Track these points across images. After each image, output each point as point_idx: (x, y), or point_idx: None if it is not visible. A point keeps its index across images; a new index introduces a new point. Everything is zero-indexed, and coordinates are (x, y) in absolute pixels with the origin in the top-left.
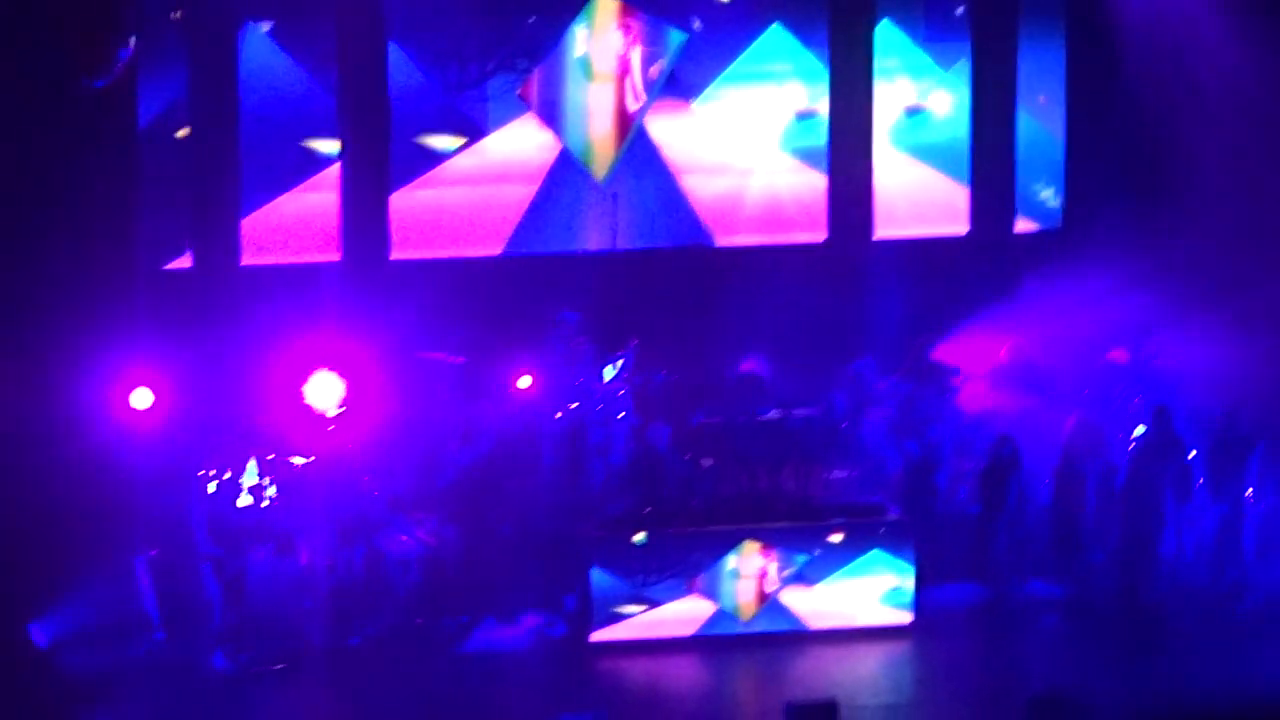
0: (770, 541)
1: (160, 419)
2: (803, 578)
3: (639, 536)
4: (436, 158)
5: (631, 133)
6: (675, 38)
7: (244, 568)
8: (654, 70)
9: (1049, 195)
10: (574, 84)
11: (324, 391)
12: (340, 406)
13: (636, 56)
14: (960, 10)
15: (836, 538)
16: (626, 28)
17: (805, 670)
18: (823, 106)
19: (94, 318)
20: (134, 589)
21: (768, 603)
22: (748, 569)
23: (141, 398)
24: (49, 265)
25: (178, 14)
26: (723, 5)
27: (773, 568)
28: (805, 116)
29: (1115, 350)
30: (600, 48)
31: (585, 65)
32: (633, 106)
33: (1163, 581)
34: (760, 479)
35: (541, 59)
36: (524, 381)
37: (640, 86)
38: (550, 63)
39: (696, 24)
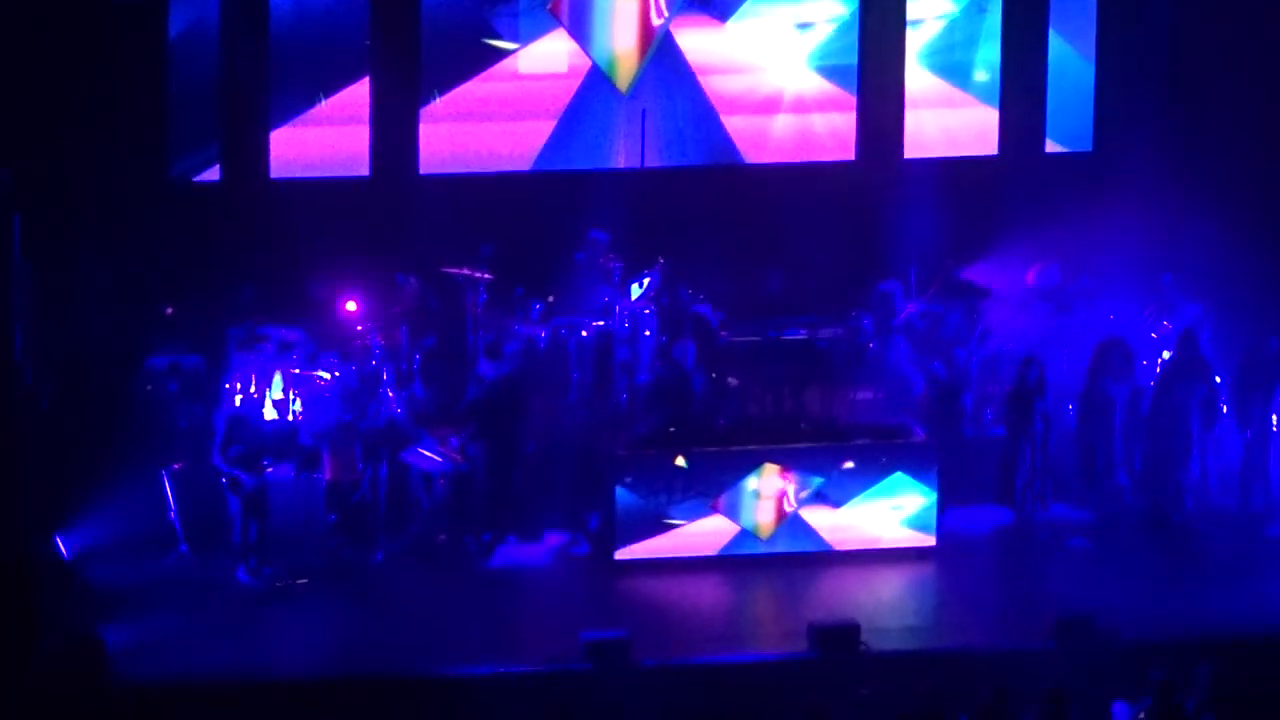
0: (792, 462)
1: (186, 331)
2: (826, 498)
3: (680, 460)
4: (466, 73)
5: (654, 46)
6: None
7: (265, 482)
8: None
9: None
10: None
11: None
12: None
13: None
14: None
15: (848, 465)
16: None
17: (828, 591)
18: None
19: (124, 228)
20: (159, 502)
21: (786, 522)
22: (768, 490)
23: (168, 309)
24: (80, 175)
25: None
26: None
27: (791, 489)
28: (804, 26)
29: (1143, 274)
30: None
31: None
32: (656, 21)
33: (1189, 506)
34: (786, 399)
35: None
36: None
37: (663, 2)
38: None
39: None
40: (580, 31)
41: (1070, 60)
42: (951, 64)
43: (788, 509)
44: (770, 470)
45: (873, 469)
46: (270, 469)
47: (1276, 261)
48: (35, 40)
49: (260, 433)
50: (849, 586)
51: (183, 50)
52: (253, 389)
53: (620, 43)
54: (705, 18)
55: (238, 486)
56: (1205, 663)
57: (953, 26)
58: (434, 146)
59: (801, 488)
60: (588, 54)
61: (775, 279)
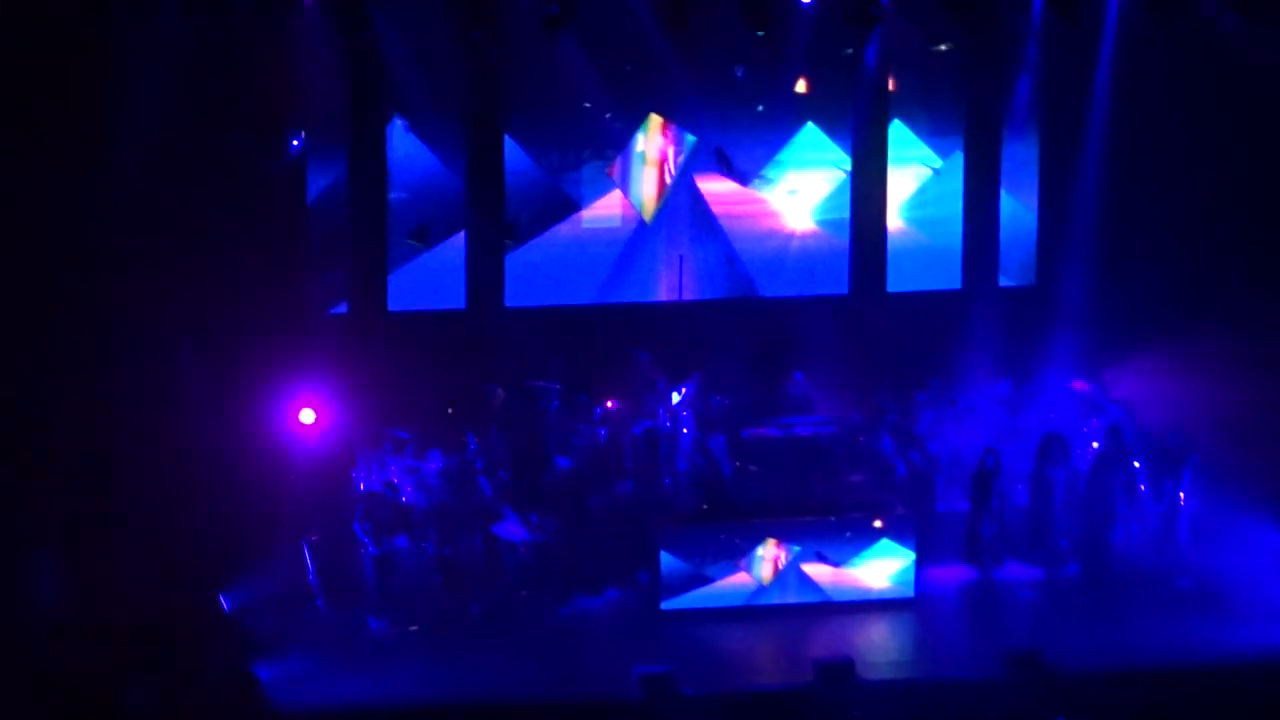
0: (800, 531)
1: (323, 433)
2: (827, 559)
3: (877, 523)
4: (541, 226)
5: (667, 193)
6: (689, 139)
7: (394, 549)
8: (678, 159)
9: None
10: (637, 165)
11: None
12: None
13: (670, 152)
14: (955, 111)
15: (876, 523)
16: (664, 133)
17: (829, 634)
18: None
19: (272, 351)
20: (300, 566)
21: (796, 578)
22: (768, 554)
23: (308, 416)
24: (241, 311)
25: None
26: (774, 103)
27: (782, 555)
28: (792, 192)
29: (1078, 382)
30: (650, 145)
31: (642, 156)
32: (667, 180)
33: (1115, 564)
34: (794, 482)
35: (621, 149)
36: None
37: (672, 168)
38: (626, 152)
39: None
40: (625, 186)
41: (1017, 210)
42: (924, 216)
43: (782, 566)
44: (770, 542)
45: (864, 536)
46: (402, 540)
47: (1184, 372)
48: (206, 210)
49: (389, 509)
50: (846, 630)
51: (319, 211)
52: (374, 476)
53: (647, 192)
54: (729, 181)
55: (371, 551)
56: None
57: (924, 187)
58: (517, 284)
59: (789, 555)
60: (628, 199)
61: (793, 385)
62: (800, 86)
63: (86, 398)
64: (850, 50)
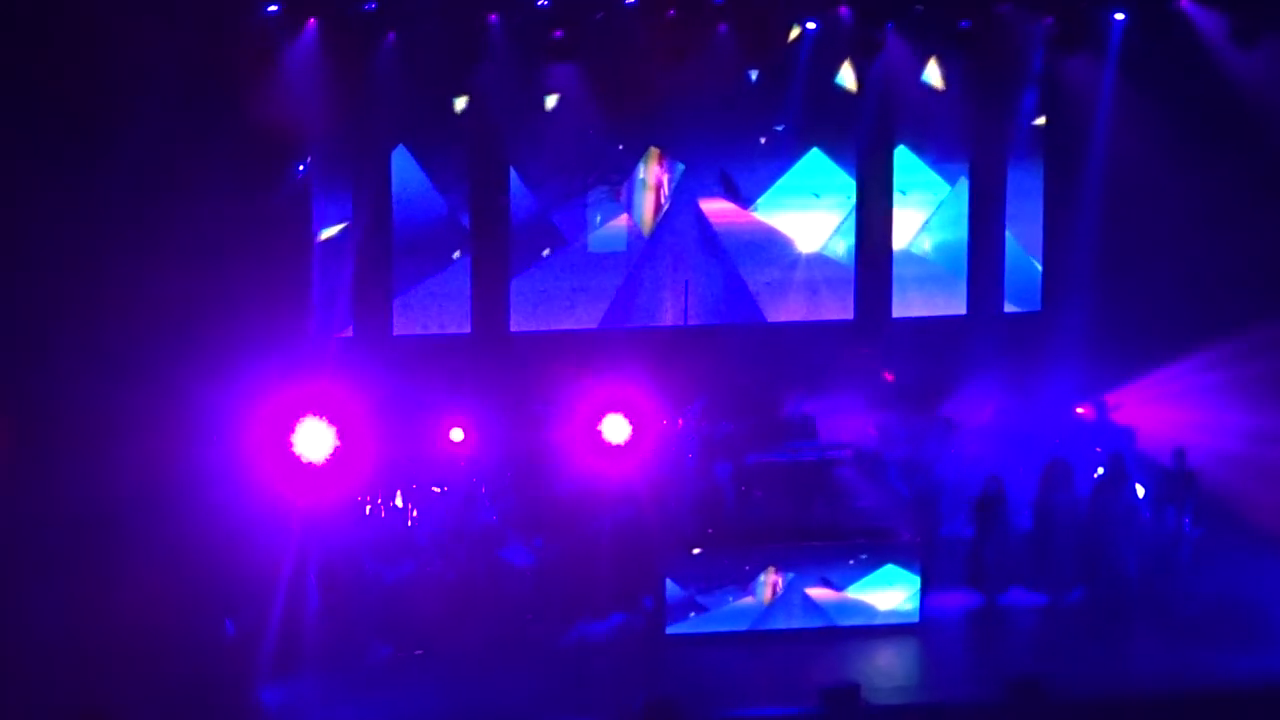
0: (804, 558)
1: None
2: (832, 584)
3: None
4: (545, 251)
5: (661, 214)
6: (679, 168)
7: (399, 574)
8: (668, 182)
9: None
10: (638, 190)
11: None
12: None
13: (665, 177)
14: (964, 137)
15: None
16: (660, 162)
17: (834, 660)
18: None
19: (280, 376)
20: (306, 590)
21: (801, 603)
22: (772, 579)
23: (458, 434)
24: (249, 334)
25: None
26: (776, 133)
27: (780, 580)
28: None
29: (1082, 407)
30: (648, 173)
31: (643, 182)
32: (663, 203)
33: (1118, 590)
34: (799, 507)
35: (627, 174)
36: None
37: (666, 191)
38: (631, 177)
39: (763, 140)
40: (629, 208)
41: (1022, 236)
42: (929, 243)
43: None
44: (769, 569)
45: (869, 562)
46: (407, 565)
47: (1188, 398)
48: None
49: (391, 535)
50: (850, 655)
51: (323, 234)
52: (379, 501)
53: (646, 213)
54: (732, 205)
55: (376, 576)
56: None
57: (930, 217)
58: (522, 309)
59: (786, 580)
60: (632, 218)
61: (792, 409)
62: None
63: (90, 422)
64: (854, 77)
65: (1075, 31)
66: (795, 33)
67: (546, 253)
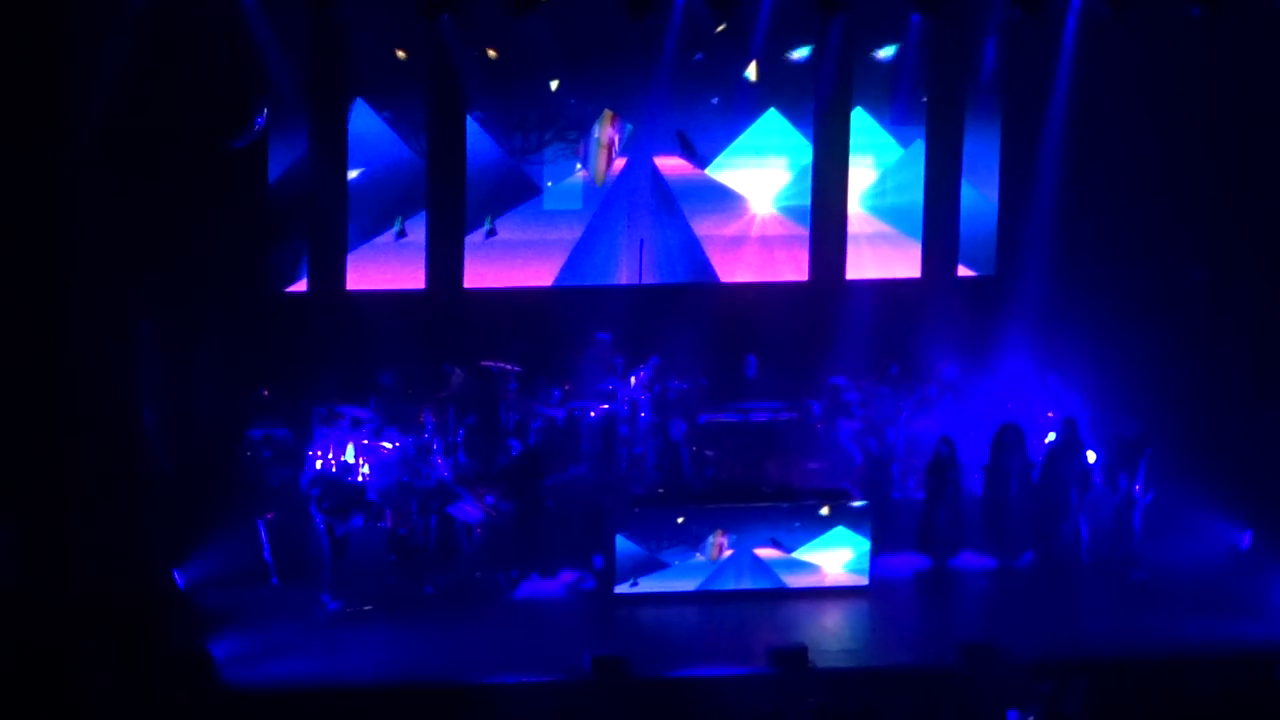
0: (755, 518)
1: (279, 411)
2: (781, 545)
3: (824, 510)
4: (503, 208)
5: (610, 167)
6: (628, 128)
7: (350, 528)
8: (619, 140)
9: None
10: (594, 148)
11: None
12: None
13: (616, 136)
14: (920, 99)
15: (823, 510)
16: (612, 123)
17: (782, 620)
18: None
19: (228, 329)
20: (256, 544)
21: (750, 564)
22: (722, 539)
23: (264, 394)
24: (195, 287)
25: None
26: (727, 93)
27: (728, 540)
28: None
29: (1035, 372)
30: (601, 132)
31: (598, 140)
32: (615, 158)
33: (1069, 555)
34: (751, 467)
35: (585, 131)
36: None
37: (616, 148)
38: (588, 135)
39: (714, 100)
40: (585, 161)
41: (978, 200)
42: (884, 205)
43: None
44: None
45: (818, 523)
46: (357, 520)
47: (1140, 364)
48: (161, 181)
49: (346, 490)
50: (799, 617)
51: (278, 189)
52: (330, 456)
53: (600, 166)
54: (689, 164)
55: (331, 532)
56: (1081, 678)
57: (885, 175)
58: (476, 266)
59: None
60: (587, 170)
61: (749, 368)
62: (751, 73)
63: (42, 374)
64: (813, 36)
65: None
66: None
67: (503, 210)
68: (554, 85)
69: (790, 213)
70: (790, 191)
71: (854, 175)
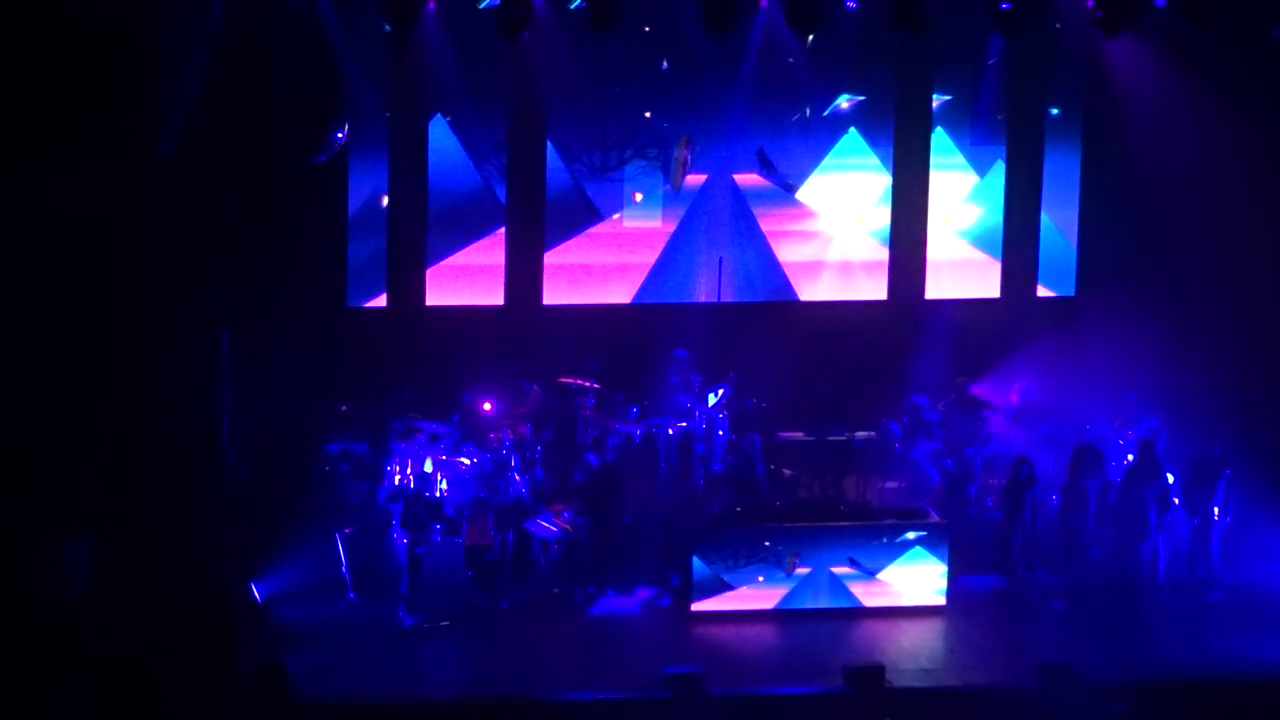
0: (832, 538)
1: (357, 426)
2: (859, 565)
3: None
4: (582, 226)
5: (683, 177)
6: (697, 148)
7: (428, 545)
8: (690, 158)
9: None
10: (675, 167)
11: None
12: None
13: (689, 153)
14: (999, 118)
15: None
16: (688, 146)
17: (859, 640)
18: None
19: (309, 343)
20: (334, 559)
21: (828, 584)
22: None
23: (342, 409)
24: (276, 302)
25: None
26: (808, 118)
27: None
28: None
29: (1113, 392)
30: (682, 151)
31: (678, 159)
32: (688, 171)
33: (1147, 577)
34: (829, 486)
35: (665, 149)
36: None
37: (688, 164)
38: (668, 154)
39: (808, 111)
40: (666, 184)
41: (1059, 221)
42: (966, 227)
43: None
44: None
45: (897, 543)
46: (435, 535)
47: (1219, 384)
48: (243, 195)
49: (423, 506)
50: (876, 636)
51: (359, 202)
52: (408, 471)
53: (678, 181)
54: (769, 182)
55: (411, 547)
56: (1120, 703)
57: (967, 200)
58: (555, 283)
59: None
60: (668, 182)
61: (823, 388)
62: (843, 102)
63: (123, 385)
64: (894, 58)
65: (1116, 13)
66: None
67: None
68: (647, 115)
69: (871, 231)
70: (870, 211)
71: (933, 194)
